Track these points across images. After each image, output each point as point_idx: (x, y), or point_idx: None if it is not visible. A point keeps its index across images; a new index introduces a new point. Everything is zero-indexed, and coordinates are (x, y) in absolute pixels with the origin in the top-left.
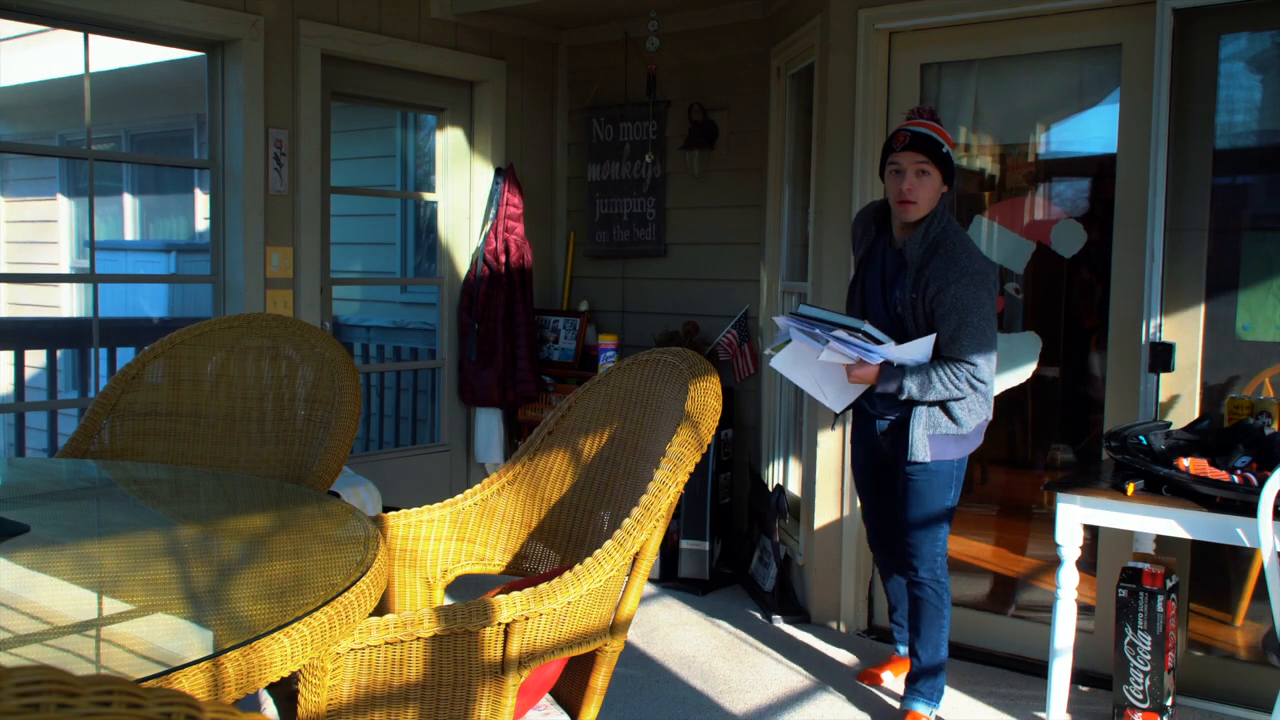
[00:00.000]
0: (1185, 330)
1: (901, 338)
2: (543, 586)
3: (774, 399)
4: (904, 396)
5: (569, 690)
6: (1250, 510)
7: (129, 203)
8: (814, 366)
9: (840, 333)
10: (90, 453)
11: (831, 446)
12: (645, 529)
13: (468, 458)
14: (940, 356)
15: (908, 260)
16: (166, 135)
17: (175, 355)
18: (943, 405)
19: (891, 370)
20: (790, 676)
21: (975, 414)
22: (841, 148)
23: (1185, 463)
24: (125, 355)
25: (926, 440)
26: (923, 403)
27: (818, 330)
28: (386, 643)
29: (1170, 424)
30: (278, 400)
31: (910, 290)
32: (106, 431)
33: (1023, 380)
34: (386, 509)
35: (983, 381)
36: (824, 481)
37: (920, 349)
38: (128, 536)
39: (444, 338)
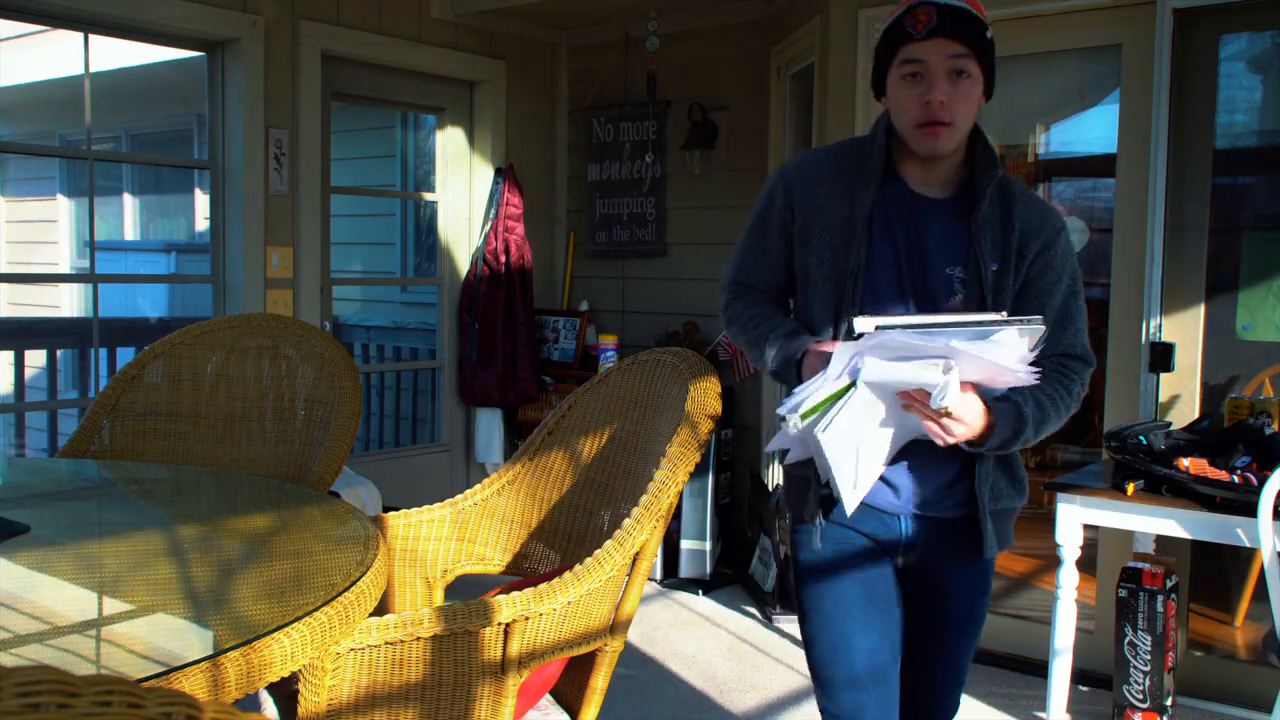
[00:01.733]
0: (1185, 330)
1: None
2: (543, 586)
3: (774, 399)
4: (1017, 445)
5: (569, 690)
6: (1250, 510)
7: (129, 203)
8: (871, 427)
9: (1009, 333)
10: (90, 453)
11: None
12: (645, 529)
13: (468, 458)
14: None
15: (979, 215)
16: (166, 135)
17: (175, 355)
18: (1007, 456)
19: (1004, 406)
20: (790, 676)
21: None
22: None
23: (1185, 463)
24: (125, 355)
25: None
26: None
27: (956, 337)
28: (386, 643)
29: (1170, 424)
30: (278, 400)
31: (990, 257)
32: (106, 431)
33: None
34: (386, 509)
35: (1087, 379)
36: None
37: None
38: (128, 536)
39: (444, 338)
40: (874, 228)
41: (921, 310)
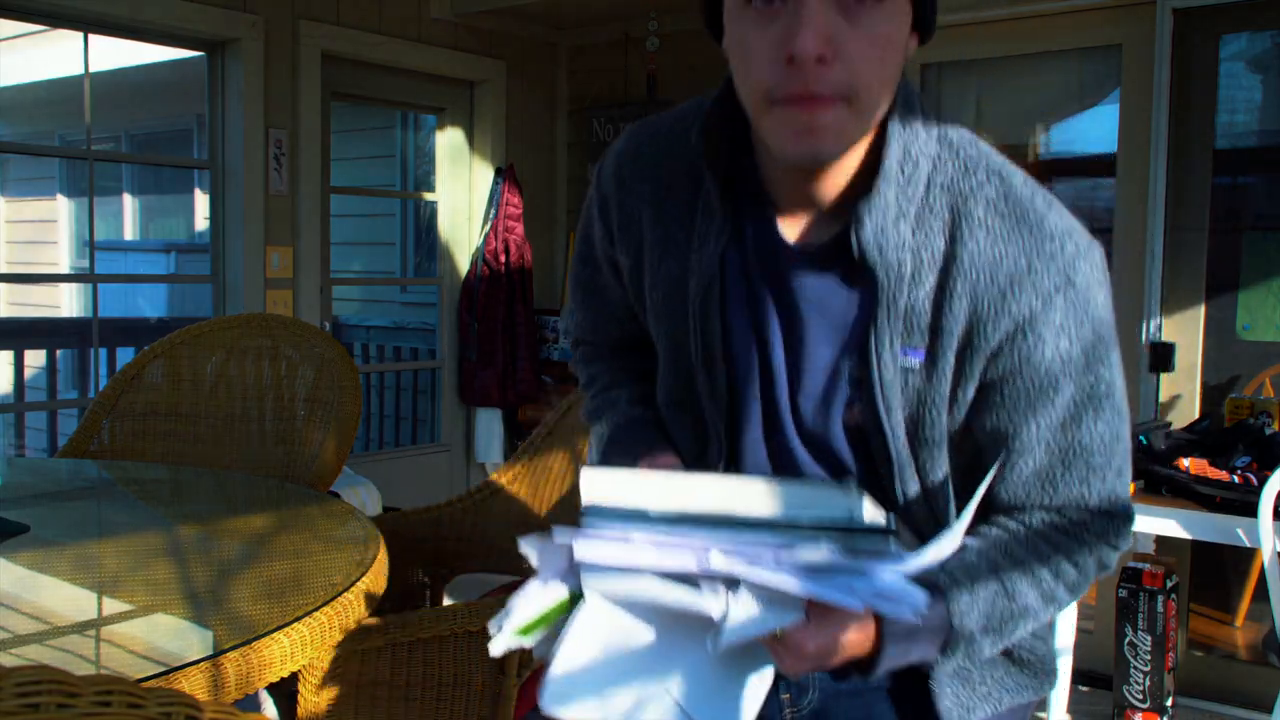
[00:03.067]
0: (1185, 330)
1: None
2: None
3: None
4: (957, 658)
5: None
6: (1250, 510)
7: (129, 203)
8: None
9: (771, 560)
10: (90, 453)
11: None
12: None
13: (468, 458)
14: (1008, 502)
15: (876, 262)
16: (166, 135)
17: (175, 355)
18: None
19: (909, 613)
20: None
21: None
22: None
23: (1185, 463)
24: (125, 355)
25: None
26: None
27: (722, 543)
28: (386, 643)
29: (1170, 424)
30: (278, 400)
31: (900, 343)
32: (106, 431)
33: None
34: (386, 509)
35: (1125, 538)
36: None
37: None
38: (128, 536)
39: (444, 338)
40: (727, 290)
41: (803, 433)
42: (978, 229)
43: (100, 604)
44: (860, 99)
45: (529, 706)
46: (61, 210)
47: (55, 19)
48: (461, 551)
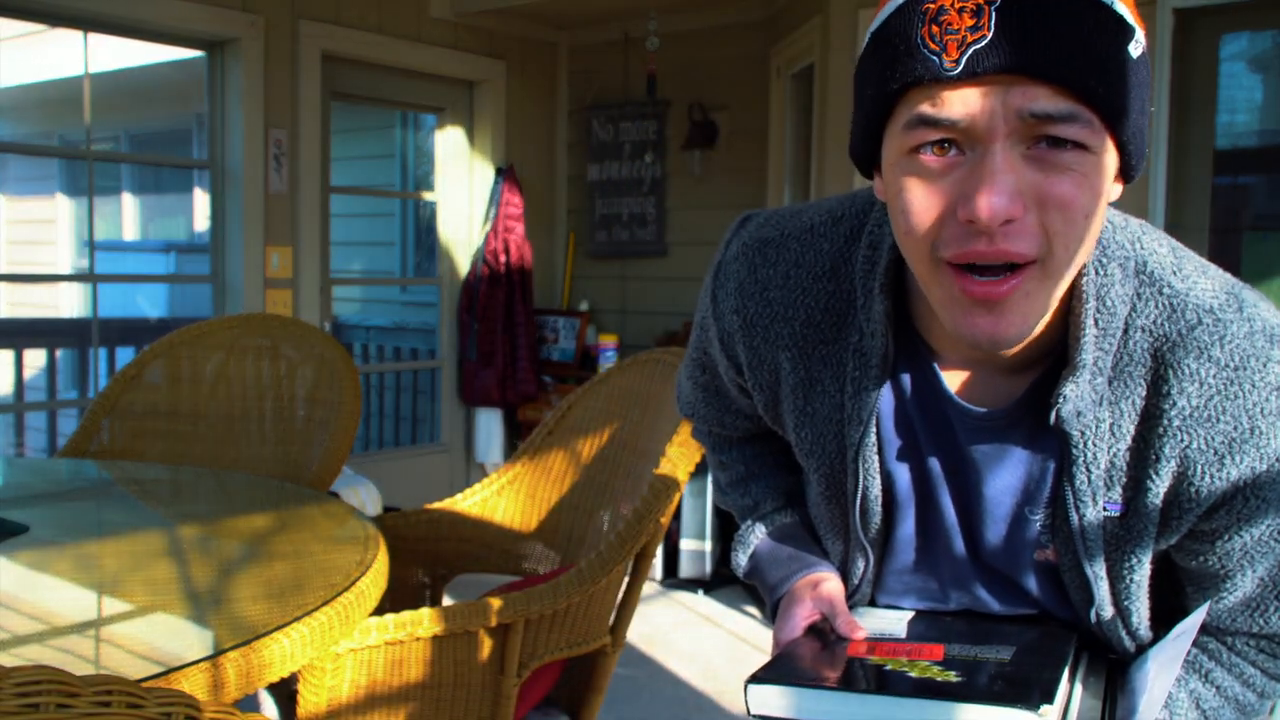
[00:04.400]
0: None
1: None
2: (543, 587)
3: None
4: None
5: (569, 690)
6: None
7: (129, 202)
8: None
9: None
10: (90, 453)
11: None
12: (646, 529)
13: (468, 458)
14: (1209, 625)
15: (1073, 428)
16: (166, 135)
17: (174, 355)
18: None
19: None
20: None
21: None
22: (842, 149)
23: None
24: (125, 355)
25: None
26: None
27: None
28: (386, 643)
29: None
30: (277, 400)
31: (1099, 497)
32: (106, 431)
33: None
34: (386, 509)
35: None
36: None
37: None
38: (128, 536)
39: (444, 337)
40: (883, 437)
41: (982, 573)
42: (1188, 383)
43: (100, 604)
44: (1055, 260)
45: (529, 706)
46: (61, 210)
47: (55, 19)
48: (461, 551)
